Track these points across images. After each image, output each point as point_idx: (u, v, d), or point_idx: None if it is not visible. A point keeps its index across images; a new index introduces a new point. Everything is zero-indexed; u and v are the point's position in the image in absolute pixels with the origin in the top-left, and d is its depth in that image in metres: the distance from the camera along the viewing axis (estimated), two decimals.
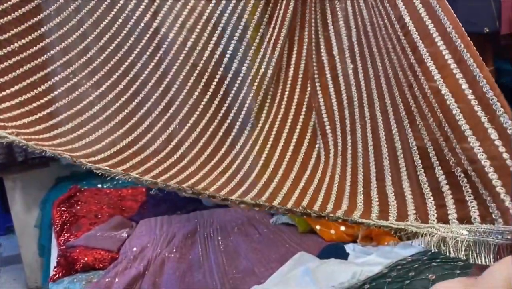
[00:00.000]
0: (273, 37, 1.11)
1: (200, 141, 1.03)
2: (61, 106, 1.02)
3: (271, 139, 1.05)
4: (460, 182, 0.65)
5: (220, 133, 1.06)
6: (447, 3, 0.73)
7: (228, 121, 1.07)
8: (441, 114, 0.67)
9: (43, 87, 1.01)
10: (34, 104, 0.98)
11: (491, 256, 0.55)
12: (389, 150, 0.83)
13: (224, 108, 1.08)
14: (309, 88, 1.09)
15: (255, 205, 0.78)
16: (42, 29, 1.05)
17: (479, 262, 0.56)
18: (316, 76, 1.07)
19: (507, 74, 1.99)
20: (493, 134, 0.60)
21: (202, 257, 1.81)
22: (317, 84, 1.07)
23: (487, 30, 1.78)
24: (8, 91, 0.96)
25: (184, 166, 0.97)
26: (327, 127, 1.02)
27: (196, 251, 1.85)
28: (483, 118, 0.62)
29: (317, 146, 1.03)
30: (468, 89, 0.64)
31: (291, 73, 1.11)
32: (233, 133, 1.06)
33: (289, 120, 1.08)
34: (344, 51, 1.02)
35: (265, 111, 1.09)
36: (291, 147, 1.04)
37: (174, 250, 1.83)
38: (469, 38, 0.68)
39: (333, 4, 1.07)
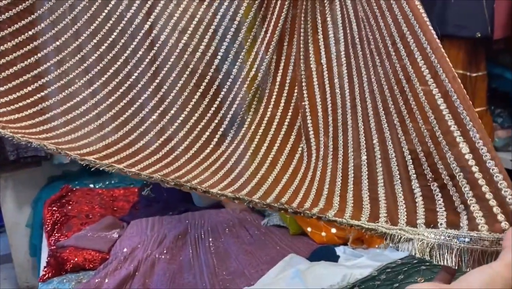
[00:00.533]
0: (266, 40, 1.12)
1: (189, 137, 1.05)
2: (52, 104, 1.02)
3: (256, 139, 1.06)
4: (435, 196, 0.68)
5: (209, 131, 1.07)
6: (427, 18, 0.76)
7: (217, 120, 1.08)
8: (425, 131, 0.70)
9: (35, 85, 1.02)
10: (25, 102, 0.99)
11: (453, 259, 0.58)
12: (368, 158, 0.85)
13: (213, 107, 1.09)
14: (295, 94, 1.10)
15: (234, 198, 0.79)
16: (35, 29, 1.05)
17: (442, 263, 0.59)
18: (303, 83, 1.09)
19: (499, 79, 2.00)
20: (464, 148, 0.63)
21: (193, 258, 1.80)
22: (304, 91, 1.08)
23: (479, 35, 1.80)
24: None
25: (170, 160, 0.98)
26: (311, 132, 1.04)
27: (186, 252, 1.85)
28: (455, 133, 0.65)
29: (300, 148, 1.05)
30: (443, 104, 0.67)
31: (279, 78, 1.13)
32: (220, 132, 1.08)
33: (275, 123, 1.09)
34: (332, 60, 1.04)
35: (252, 112, 1.10)
36: (275, 147, 1.05)
37: (165, 251, 1.83)
38: (443, 51, 0.71)
39: (324, 13, 1.08)
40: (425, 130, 0.69)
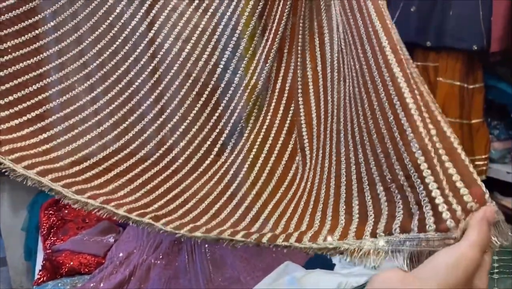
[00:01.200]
0: (266, 49, 1.13)
1: (189, 148, 1.05)
2: (51, 108, 1.02)
3: (254, 148, 1.07)
4: (395, 197, 0.66)
5: (209, 141, 1.07)
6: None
7: (217, 130, 1.08)
8: (385, 131, 0.67)
9: (37, 86, 1.02)
10: (24, 105, 0.98)
11: (404, 263, 0.57)
12: (346, 167, 0.82)
13: (215, 116, 1.10)
14: (293, 102, 1.11)
15: (218, 240, 0.75)
16: (37, 31, 1.06)
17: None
18: (299, 91, 1.09)
19: (496, 91, 2.01)
20: (414, 147, 0.61)
21: (188, 264, 1.80)
22: (300, 98, 1.08)
23: (476, 48, 1.81)
24: None
25: (170, 174, 0.98)
26: (306, 141, 1.03)
27: (182, 258, 1.84)
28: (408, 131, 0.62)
29: (297, 158, 1.05)
30: (414, 107, 0.64)
31: (278, 85, 1.13)
32: (221, 141, 1.08)
33: (273, 131, 1.09)
34: (326, 67, 1.04)
35: (252, 121, 1.10)
36: (273, 157, 1.05)
37: (161, 257, 1.83)
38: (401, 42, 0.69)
39: (321, 20, 1.08)
40: (384, 130, 0.67)
